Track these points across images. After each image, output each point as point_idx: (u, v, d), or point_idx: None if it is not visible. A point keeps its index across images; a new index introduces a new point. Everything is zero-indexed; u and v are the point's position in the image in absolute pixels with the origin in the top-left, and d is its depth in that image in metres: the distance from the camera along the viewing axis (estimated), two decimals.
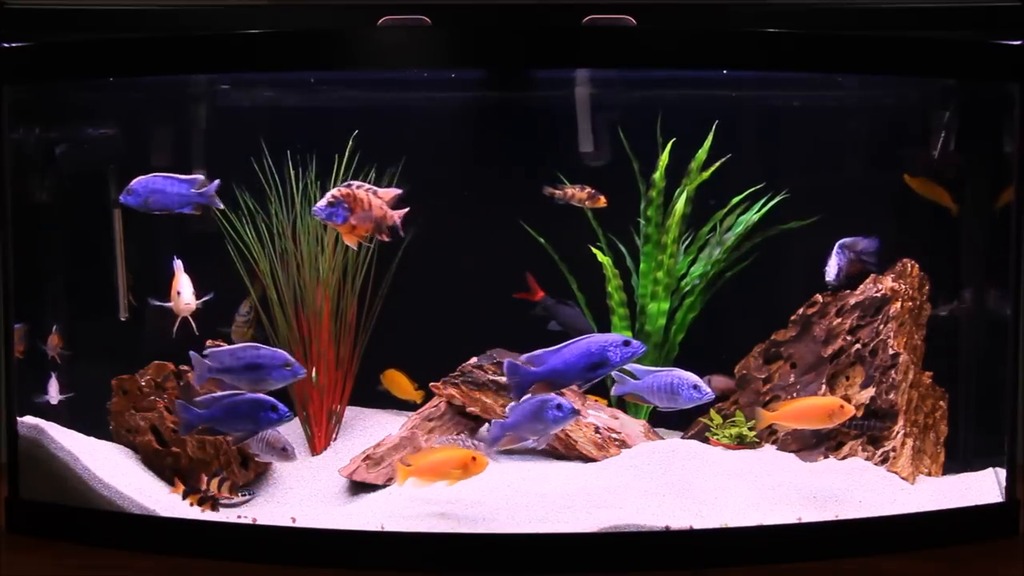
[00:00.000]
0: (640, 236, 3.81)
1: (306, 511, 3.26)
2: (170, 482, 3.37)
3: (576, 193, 3.64)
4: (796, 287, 3.71)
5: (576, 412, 3.08)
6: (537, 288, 3.69)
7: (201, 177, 3.23)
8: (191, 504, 3.26)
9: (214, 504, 3.25)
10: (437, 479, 3.09)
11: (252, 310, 3.69)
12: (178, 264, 3.32)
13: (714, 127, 3.65)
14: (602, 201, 3.66)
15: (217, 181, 3.24)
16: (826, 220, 3.62)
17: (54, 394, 3.55)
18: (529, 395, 3.04)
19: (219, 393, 3.11)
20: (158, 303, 3.36)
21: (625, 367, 3.08)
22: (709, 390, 3.07)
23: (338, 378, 3.75)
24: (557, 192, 3.64)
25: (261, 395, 3.10)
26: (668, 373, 3.08)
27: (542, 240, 3.73)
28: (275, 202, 3.61)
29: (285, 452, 3.23)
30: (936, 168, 3.61)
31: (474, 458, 3.07)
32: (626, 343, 2.99)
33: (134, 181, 3.21)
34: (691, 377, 3.07)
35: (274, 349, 3.12)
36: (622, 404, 3.79)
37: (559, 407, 3.04)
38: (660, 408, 3.10)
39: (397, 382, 3.82)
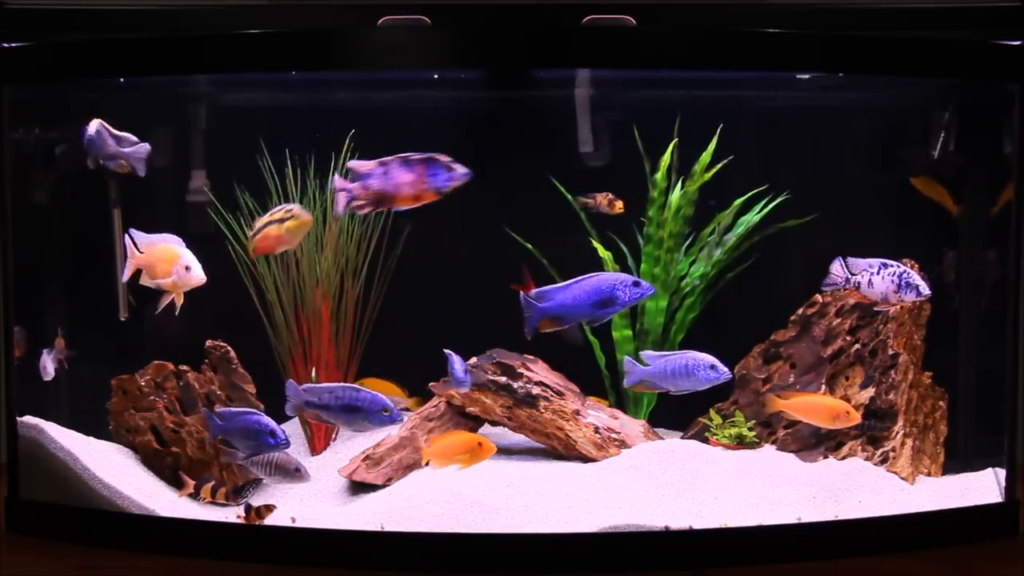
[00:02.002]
0: (642, 236, 3.81)
1: (306, 511, 3.26)
2: (170, 482, 3.38)
3: (600, 200, 3.64)
4: (796, 287, 3.70)
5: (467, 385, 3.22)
6: (531, 281, 3.70)
7: (136, 139, 3.25)
8: (241, 518, 3.20)
9: (246, 507, 3.19)
10: (450, 462, 3.10)
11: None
12: (177, 239, 3.23)
13: (718, 130, 3.64)
14: (619, 207, 3.65)
15: (146, 145, 3.25)
16: (826, 220, 3.61)
17: (50, 370, 3.52)
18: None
19: (234, 408, 3.22)
20: (156, 282, 3.21)
21: (637, 354, 3.08)
22: (726, 369, 3.05)
23: (338, 378, 3.74)
24: (590, 202, 3.64)
25: (264, 420, 3.12)
26: (682, 355, 3.06)
27: (529, 246, 3.73)
28: (275, 200, 3.60)
29: (299, 473, 3.16)
30: (936, 168, 3.61)
31: (480, 443, 3.10)
32: (635, 283, 2.99)
33: (96, 121, 3.25)
34: (707, 358, 3.05)
35: (374, 392, 3.09)
36: (621, 404, 3.79)
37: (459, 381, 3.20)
38: (674, 392, 3.08)
39: (382, 390, 3.66)
